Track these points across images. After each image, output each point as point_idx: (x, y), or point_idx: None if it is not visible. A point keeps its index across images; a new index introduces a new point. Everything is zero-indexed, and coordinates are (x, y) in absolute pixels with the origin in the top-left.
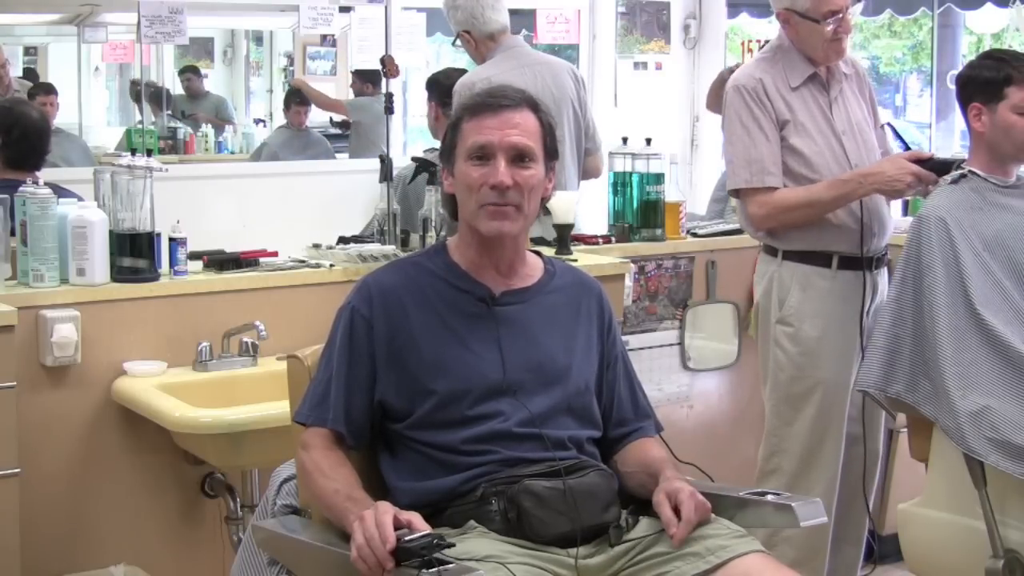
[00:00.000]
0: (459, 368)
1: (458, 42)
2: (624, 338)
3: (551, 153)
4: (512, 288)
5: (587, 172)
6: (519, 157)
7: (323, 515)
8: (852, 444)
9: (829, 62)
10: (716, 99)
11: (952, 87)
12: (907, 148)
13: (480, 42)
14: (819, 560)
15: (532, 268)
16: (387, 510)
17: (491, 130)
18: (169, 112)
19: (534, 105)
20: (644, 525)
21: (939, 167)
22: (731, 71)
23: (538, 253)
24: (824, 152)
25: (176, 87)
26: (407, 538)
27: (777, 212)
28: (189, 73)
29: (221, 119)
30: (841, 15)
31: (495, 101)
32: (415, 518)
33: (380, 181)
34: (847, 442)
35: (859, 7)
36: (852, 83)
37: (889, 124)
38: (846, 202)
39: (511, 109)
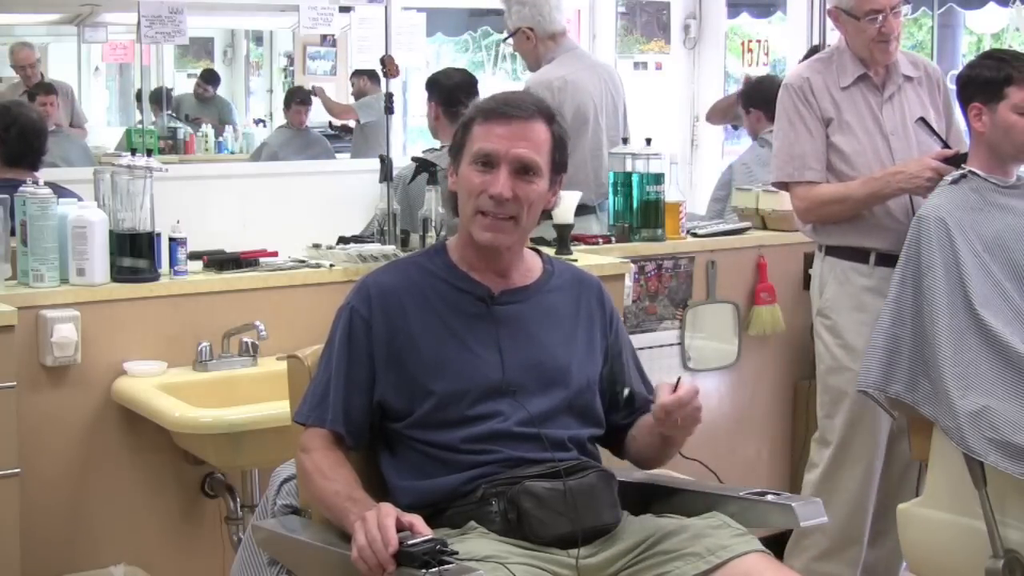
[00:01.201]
0: (458, 368)
1: (510, 40)
2: None
3: (558, 167)
4: (511, 287)
5: None
6: (523, 170)
7: (323, 515)
8: (898, 438)
9: (877, 63)
10: (718, 115)
11: (952, 87)
12: (944, 144)
13: (541, 41)
14: (854, 551)
15: (531, 267)
16: (389, 512)
17: (499, 139)
18: (171, 113)
19: (549, 117)
20: (647, 525)
21: (960, 161)
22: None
23: (537, 251)
24: (867, 151)
25: (179, 87)
26: (410, 542)
27: (814, 206)
28: (207, 84)
29: (223, 122)
30: (884, 15)
31: (508, 110)
32: (417, 521)
33: (380, 181)
34: (892, 436)
35: (907, 8)
36: (920, 86)
37: (922, 119)
38: (878, 200)
39: (523, 120)
